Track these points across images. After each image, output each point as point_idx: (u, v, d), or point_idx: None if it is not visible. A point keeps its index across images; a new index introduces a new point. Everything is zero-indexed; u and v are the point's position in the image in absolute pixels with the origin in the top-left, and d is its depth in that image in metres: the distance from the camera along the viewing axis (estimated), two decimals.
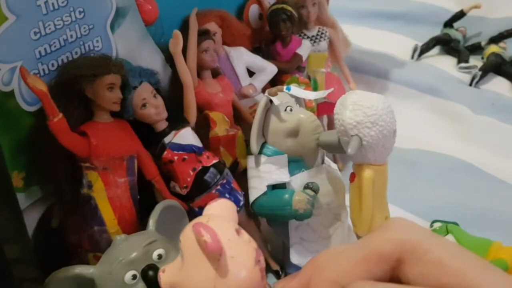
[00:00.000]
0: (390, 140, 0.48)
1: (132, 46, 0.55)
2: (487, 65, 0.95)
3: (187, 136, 0.54)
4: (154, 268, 0.42)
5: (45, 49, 0.46)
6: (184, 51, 0.56)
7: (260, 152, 0.53)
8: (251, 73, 0.67)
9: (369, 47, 1.02)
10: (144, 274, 0.42)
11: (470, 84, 0.93)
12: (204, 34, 0.59)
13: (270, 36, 0.72)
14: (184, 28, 0.58)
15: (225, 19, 0.66)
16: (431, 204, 0.67)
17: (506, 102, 0.87)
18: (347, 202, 0.52)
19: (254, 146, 0.52)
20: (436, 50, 1.05)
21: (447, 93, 0.88)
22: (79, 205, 0.49)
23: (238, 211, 0.38)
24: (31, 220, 0.48)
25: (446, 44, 1.04)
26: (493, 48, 0.98)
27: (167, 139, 0.53)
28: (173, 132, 0.53)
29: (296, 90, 0.54)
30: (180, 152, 0.53)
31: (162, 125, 0.53)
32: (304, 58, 0.72)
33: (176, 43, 0.55)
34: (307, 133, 0.52)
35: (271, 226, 0.57)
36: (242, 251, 0.32)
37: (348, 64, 0.80)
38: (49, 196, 0.49)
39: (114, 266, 0.42)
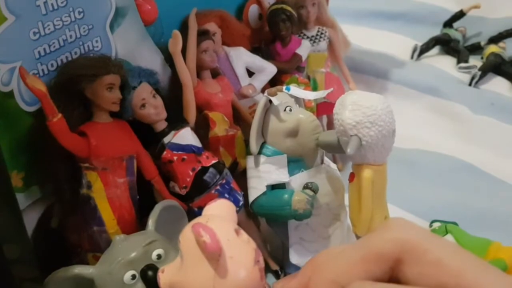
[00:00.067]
0: (389, 140, 0.48)
1: (132, 46, 0.55)
2: (486, 65, 0.95)
3: (186, 136, 0.54)
4: (154, 268, 0.42)
5: (44, 49, 0.46)
6: (184, 51, 0.56)
7: (259, 152, 0.53)
8: (250, 73, 0.67)
9: (369, 47, 1.02)
10: (143, 274, 0.42)
11: (470, 84, 0.93)
12: (203, 34, 0.59)
13: (270, 36, 0.72)
14: (184, 28, 0.58)
15: (224, 19, 0.66)
16: (431, 204, 0.67)
17: (505, 102, 0.87)
18: (347, 202, 0.52)
19: (254, 146, 0.52)
20: (435, 50, 1.05)
21: (446, 93, 0.88)
22: (79, 205, 0.49)
23: (237, 211, 0.39)
24: (30, 220, 0.48)
25: (445, 44, 1.04)
26: (492, 48, 0.98)
27: (166, 139, 0.53)
28: (173, 132, 0.53)
29: (295, 90, 0.54)
30: (179, 152, 0.53)
31: (162, 125, 0.53)
32: (303, 58, 0.72)
33: (175, 43, 0.55)
34: (306, 133, 0.52)
35: (271, 226, 0.57)
36: (241, 251, 0.32)
37: (348, 64, 0.80)
38: (48, 196, 0.50)
39: (114, 266, 0.42)
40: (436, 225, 0.58)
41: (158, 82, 0.54)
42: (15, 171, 0.46)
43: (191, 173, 0.53)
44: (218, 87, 0.61)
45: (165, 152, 0.53)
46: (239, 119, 0.64)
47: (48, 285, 0.42)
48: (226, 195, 0.55)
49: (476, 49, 1.03)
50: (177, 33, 0.55)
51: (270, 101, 0.52)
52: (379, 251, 0.24)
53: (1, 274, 0.42)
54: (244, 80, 0.66)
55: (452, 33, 1.05)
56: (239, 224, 0.35)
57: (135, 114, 0.52)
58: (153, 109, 0.52)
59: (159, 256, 0.43)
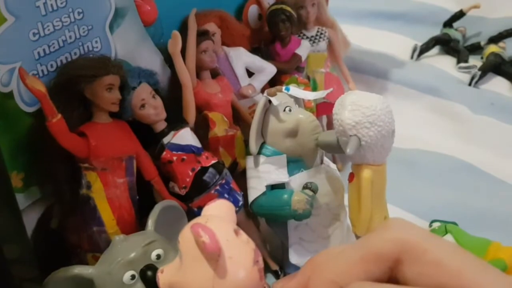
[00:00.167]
0: (389, 140, 0.48)
1: (131, 46, 0.55)
2: (486, 65, 0.95)
3: (186, 136, 0.54)
4: (153, 268, 0.42)
5: (44, 50, 0.46)
6: (183, 51, 0.56)
7: (259, 152, 0.53)
8: (250, 74, 0.67)
9: (369, 47, 1.02)
10: (142, 274, 0.42)
11: (470, 84, 0.92)
12: (203, 35, 0.59)
13: (269, 37, 0.72)
14: (183, 29, 0.58)
15: (224, 20, 0.66)
16: (431, 204, 0.66)
17: (505, 102, 0.87)
18: (346, 202, 0.52)
19: (253, 146, 0.52)
20: (435, 50, 1.05)
21: (446, 93, 0.88)
22: (78, 206, 0.49)
23: (237, 211, 0.39)
24: (30, 221, 0.48)
25: (445, 44, 1.04)
26: (492, 48, 0.98)
27: (166, 140, 0.53)
28: (172, 132, 0.53)
29: (295, 90, 0.54)
30: (179, 152, 0.53)
31: (161, 126, 0.53)
32: (303, 58, 0.72)
33: (175, 43, 0.55)
34: (306, 133, 0.52)
35: (270, 226, 0.57)
36: (241, 252, 0.32)
37: (348, 64, 0.80)
38: (48, 197, 0.50)
39: (113, 266, 0.42)
40: (435, 225, 0.58)
41: (158, 83, 0.54)
42: (14, 171, 0.46)
43: (190, 173, 0.53)
44: (217, 87, 0.61)
45: (164, 153, 0.53)
46: (239, 119, 0.64)
47: (48, 285, 0.42)
48: (226, 195, 0.55)
49: (476, 49, 1.03)
50: (176, 34, 0.55)
51: (270, 101, 0.52)
52: (379, 251, 0.24)
53: (0, 274, 0.42)
54: (243, 80, 0.66)
55: (452, 33, 1.05)
56: (238, 224, 0.35)
57: (134, 115, 0.52)
58: (153, 109, 0.52)
59: (158, 256, 0.43)
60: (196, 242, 0.31)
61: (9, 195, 0.43)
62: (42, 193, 0.49)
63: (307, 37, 0.74)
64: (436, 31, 1.07)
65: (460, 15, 1.08)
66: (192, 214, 0.53)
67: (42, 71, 0.47)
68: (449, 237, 0.55)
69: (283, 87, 0.54)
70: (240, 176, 0.57)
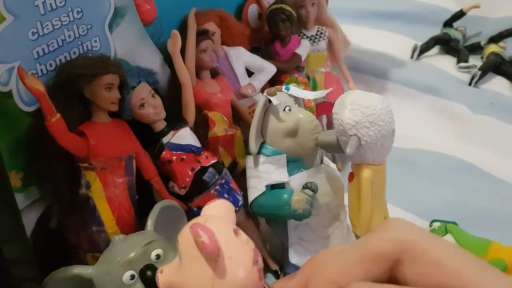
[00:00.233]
0: (389, 140, 0.48)
1: (131, 46, 0.55)
2: (486, 64, 0.95)
3: (185, 136, 0.54)
4: (152, 268, 0.41)
5: (43, 49, 0.46)
6: (183, 51, 0.56)
7: (259, 152, 0.53)
8: (250, 73, 0.67)
9: (369, 46, 1.02)
10: (142, 274, 0.42)
11: (470, 84, 0.92)
12: (203, 34, 0.59)
13: (269, 36, 0.72)
14: (183, 28, 0.58)
15: (224, 19, 0.66)
16: (431, 204, 0.66)
17: (505, 101, 0.87)
18: (346, 202, 0.52)
19: (253, 146, 0.52)
20: (435, 49, 1.05)
21: (446, 92, 0.88)
22: (78, 205, 0.49)
23: (237, 211, 0.39)
24: (29, 220, 0.48)
25: (445, 43, 1.04)
26: (492, 48, 0.98)
27: (165, 139, 0.53)
28: (172, 132, 0.53)
29: (295, 90, 0.54)
30: (178, 152, 0.53)
31: (161, 125, 0.53)
32: (303, 58, 0.71)
33: (174, 43, 0.55)
34: (306, 133, 0.51)
35: (270, 226, 0.57)
36: (240, 252, 0.32)
37: (348, 64, 0.80)
38: (47, 196, 0.49)
39: (113, 266, 0.42)
40: (436, 225, 0.58)
41: (157, 82, 0.54)
42: (14, 171, 0.46)
43: (190, 173, 0.53)
44: (217, 87, 0.61)
45: (164, 152, 0.53)
46: (239, 119, 0.64)
47: (47, 285, 0.42)
48: (226, 195, 0.55)
49: (476, 48, 1.03)
50: (176, 33, 0.55)
51: (270, 101, 0.52)
52: (378, 251, 0.24)
53: (0, 274, 0.41)
54: (243, 80, 0.65)
55: (452, 32, 1.05)
56: (238, 224, 0.35)
57: (134, 114, 0.52)
58: (152, 109, 0.52)
59: (158, 256, 0.43)
60: (195, 242, 0.31)
61: (8, 195, 0.43)
62: (41, 193, 0.49)
63: (307, 37, 0.74)
64: (436, 30, 1.07)
65: (460, 14, 1.08)
66: (192, 214, 0.53)
67: (41, 70, 0.47)
68: (449, 237, 0.55)
69: (283, 87, 0.54)
70: (240, 176, 0.57)
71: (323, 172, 0.53)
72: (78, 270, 0.43)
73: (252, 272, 0.31)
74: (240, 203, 0.56)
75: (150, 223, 0.46)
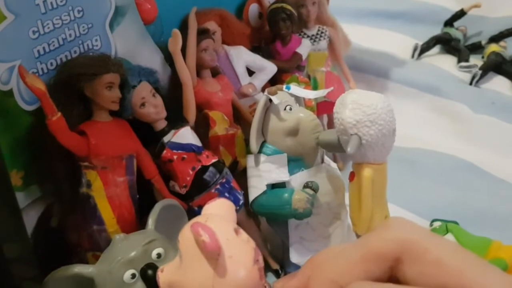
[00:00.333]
0: (390, 139, 0.48)
1: (131, 45, 0.55)
2: (487, 64, 0.95)
3: (186, 135, 0.54)
4: (153, 267, 0.41)
5: (43, 48, 0.46)
6: (184, 50, 0.56)
7: (259, 151, 0.53)
8: (250, 72, 0.67)
9: (369, 46, 1.02)
10: (143, 273, 0.42)
11: (471, 83, 0.92)
12: (203, 33, 0.59)
13: (270, 35, 0.72)
14: (184, 27, 0.58)
15: (224, 18, 0.66)
16: (432, 203, 0.66)
17: (506, 101, 0.87)
18: (347, 201, 0.52)
19: (254, 145, 0.52)
20: (436, 49, 1.05)
21: (447, 92, 0.88)
22: (78, 204, 0.49)
23: (237, 210, 0.39)
24: (30, 219, 0.48)
25: (446, 43, 1.04)
26: (493, 47, 0.98)
27: (166, 138, 0.53)
28: (173, 131, 0.53)
29: (295, 89, 0.54)
30: (179, 151, 0.53)
31: (161, 124, 0.53)
32: (304, 57, 0.71)
33: (175, 42, 0.55)
34: (306, 132, 0.51)
35: (271, 225, 0.57)
36: (241, 251, 0.32)
37: (348, 63, 0.80)
38: (48, 195, 0.49)
39: (113, 265, 0.42)
40: (436, 224, 0.58)
41: (158, 81, 0.54)
42: (14, 170, 0.46)
43: (191, 172, 0.53)
44: (218, 86, 0.61)
45: (165, 151, 0.53)
46: (239, 118, 0.64)
47: (48, 284, 0.42)
48: (226, 194, 0.55)
49: (476, 48, 1.03)
50: (177, 32, 0.55)
51: (270, 100, 0.52)
52: (379, 250, 0.24)
53: (0, 274, 0.41)
54: (244, 79, 0.65)
55: (452, 32, 1.05)
56: (239, 223, 0.35)
57: (135, 113, 0.52)
58: (153, 108, 0.52)
59: (159, 255, 0.43)
60: (196, 241, 0.31)
61: (9, 194, 0.43)
62: (42, 192, 0.49)
63: (308, 36, 0.74)
64: (437, 30, 1.07)
65: (461, 14, 1.08)
66: (193, 213, 0.53)
67: (42, 69, 0.47)
68: (450, 236, 0.55)
69: (284, 86, 0.54)
70: (241, 175, 0.57)
71: (324, 171, 0.53)
72: (79, 269, 0.43)
73: (253, 271, 0.31)
74: (241, 202, 0.56)
75: (150, 222, 0.46)
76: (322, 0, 0.76)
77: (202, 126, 0.58)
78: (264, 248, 0.59)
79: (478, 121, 0.82)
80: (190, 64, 0.57)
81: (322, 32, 0.75)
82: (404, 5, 1.18)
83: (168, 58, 0.58)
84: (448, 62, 1.00)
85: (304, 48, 0.72)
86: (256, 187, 0.52)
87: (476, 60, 0.98)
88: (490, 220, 0.64)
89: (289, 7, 0.69)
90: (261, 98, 0.53)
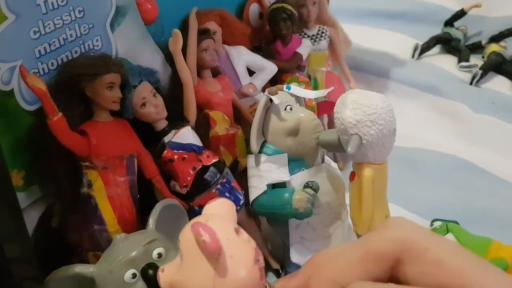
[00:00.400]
0: (390, 139, 0.48)
1: (132, 45, 0.55)
2: (487, 64, 0.95)
3: (187, 135, 0.54)
4: (154, 267, 0.42)
5: (44, 48, 0.46)
6: (184, 50, 0.56)
7: (260, 151, 0.53)
8: (251, 72, 0.67)
9: (370, 46, 1.02)
10: (144, 273, 0.42)
11: (471, 83, 0.92)
12: (204, 33, 0.59)
13: (270, 35, 0.72)
14: (184, 27, 0.58)
15: (225, 18, 0.66)
16: (432, 203, 0.67)
17: (506, 101, 0.87)
18: (347, 201, 0.52)
19: (254, 145, 0.52)
20: (436, 49, 1.05)
21: (447, 92, 0.88)
22: (79, 204, 0.49)
23: (238, 210, 0.39)
24: (31, 219, 0.48)
25: (446, 43, 1.04)
26: (493, 47, 0.98)
27: (167, 138, 0.53)
28: (173, 131, 0.53)
29: (296, 89, 0.54)
30: (180, 151, 0.53)
31: (162, 124, 0.53)
32: (304, 57, 0.71)
33: (176, 42, 0.55)
34: (307, 132, 0.51)
35: (271, 225, 0.57)
36: (241, 251, 0.32)
37: (349, 63, 0.80)
38: (49, 195, 0.49)
39: (114, 265, 0.42)
40: (437, 224, 0.58)
41: (159, 81, 0.54)
42: (15, 170, 0.46)
43: (191, 172, 0.53)
44: (218, 86, 0.61)
45: (165, 151, 0.53)
46: (240, 118, 0.64)
47: (49, 284, 0.42)
48: (227, 194, 0.55)
49: (477, 48, 1.03)
50: (177, 32, 0.55)
51: (271, 100, 0.52)
52: (379, 250, 0.24)
53: (1, 273, 0.41)
54: (244, 79, 0.65)
55: (453, 32, 1.05)
56: (239, 223, 0.35)
57: (135, 113, 0.52)
58: (154, 108, 0.52)
59: (159, 255, 0.43)
60: (196, 241, 0.31)
61: (10, 194, 0.43)
62: (43, 192, 0.49)
63: (308, 36, 0.74)
64: (437, 30, 1.07)
65: (461, 14, 1.08)
66: (193, 213, 0.53)
67: (43, 69, 0.47)
68: (450, 236, 0.55)
69: (284, 86, 0.54)
70: (241, 175, 0.57)
71: (324, 171, 0.53)
72: (80, 269, 0.43)
73: (253, 271, 0.31)
74: (241, 202, 0.56)
75: (151, 222, 0.46)
76: (322, 0, 0.76)
77: (202, 126, 0.58)
78: (264, 248, 0.59)
79: (479, 121, 0.82)
80: (190, 64, 0.57)
81: (322, 32, 0.75)
82: (404, 5, 1.18)
83: (169, 58, 0.58)
84: (448, 62, 1.00)
85: (305, 48, 0.72)
86: (257, 187, 0.52)
87: (476, 60, 0.99)
88: (491, 220, 0.64)
89: (289, 7, 0.70)
90: (262, 98, 0.53)
